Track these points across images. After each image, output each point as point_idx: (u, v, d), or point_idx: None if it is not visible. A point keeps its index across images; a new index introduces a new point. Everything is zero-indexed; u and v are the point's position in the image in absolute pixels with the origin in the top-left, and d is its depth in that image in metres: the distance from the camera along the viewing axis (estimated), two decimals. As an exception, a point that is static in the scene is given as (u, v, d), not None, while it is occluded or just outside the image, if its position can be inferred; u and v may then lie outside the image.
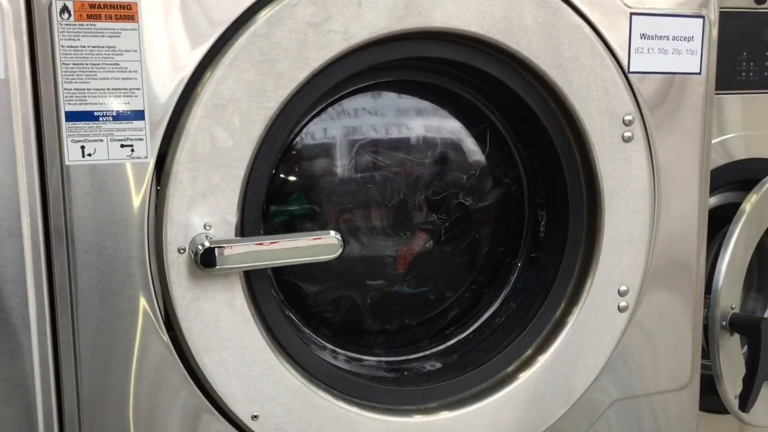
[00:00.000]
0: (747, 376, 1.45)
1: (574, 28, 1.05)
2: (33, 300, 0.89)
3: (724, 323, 1.45)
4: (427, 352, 1.19)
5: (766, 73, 1.54)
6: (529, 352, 1.11)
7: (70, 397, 0.92)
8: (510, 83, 1.06)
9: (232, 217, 0.94)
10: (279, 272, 1.09)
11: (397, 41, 0.99)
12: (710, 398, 1.48)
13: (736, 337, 1.47)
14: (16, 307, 0.88)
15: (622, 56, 1.10)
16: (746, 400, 1.44)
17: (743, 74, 1.52)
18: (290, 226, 1.11)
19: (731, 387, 1.48)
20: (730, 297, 1.45)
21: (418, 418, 1.05)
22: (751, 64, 1.53)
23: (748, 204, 1.47)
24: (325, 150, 1.12)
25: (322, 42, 0.94)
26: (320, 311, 1.15)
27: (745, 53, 1.51)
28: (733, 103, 1.51)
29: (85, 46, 0.87)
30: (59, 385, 0.91)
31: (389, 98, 1.16)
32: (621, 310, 1.14)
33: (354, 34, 0.95)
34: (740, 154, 1.53)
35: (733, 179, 1.52)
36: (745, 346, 1.48)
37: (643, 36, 1.10)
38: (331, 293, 1.14)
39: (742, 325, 1.44)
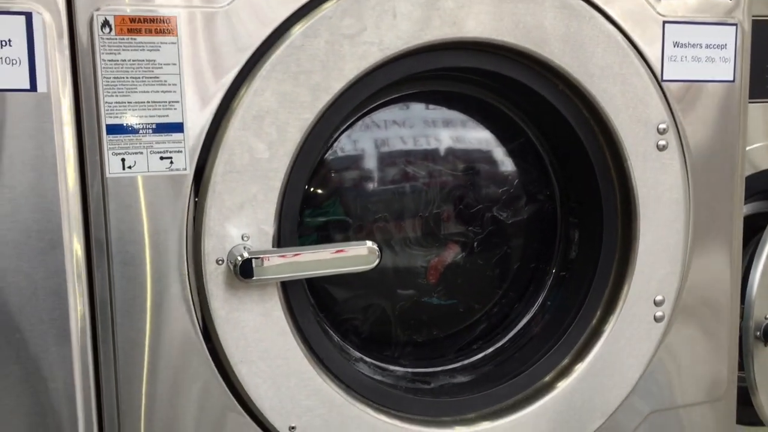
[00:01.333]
0: (783, 387, 1.43)
1: (607, 37, 1.05)
2: (74, 312, 0.89)
3: (758, 333, 1.44)
4: (456, 365, 1.18)
5: (795, 81, 1.53)
6: (566, 361, 1.10)
7: (110, 409, 0.92)
8: (543, 93, 1.06)
9: (269, 228, 0.94)
10: (311, 279, 1.09)
11: (431, 52, 0.99)
12: (744, 410, 1.46)
13: (771, 347, 1.46)
14: (57, 318, 0.88)
15: (656, 64, 1.09)
16: (783, 411, 1.42)
17: (770, 83, 1.52)
18: (322, 237, 1.11)
19: (766, 398, 1.46)
20: (764, 306, 1.44)
21: (459, 429, 1.04)
22: (780, 72, 1.52)
23: (780, 213, 1.46)
24: (359, 161, 1.12)
25: (357, 53, 0.94)
26: (349, 318, 1.15)
27: (773, 61, 1.51)
28: (757, 111, 1.50)
29: (125, 60, 0.88)
30: (99, 397, 0.92)
31: (422, 110, 1.16)
32: (657, 320, 1.13)
33: (389, 45, 0.96)
34: (766, 163, 1.52)
35: (759, 189, 1.50)
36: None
37: (676, 44, 1.10)
38: (361, 301, 1.14)
39: (776, 335, 1.42)
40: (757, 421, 1.50)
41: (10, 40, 0.83)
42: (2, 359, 0.86)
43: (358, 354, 1.12)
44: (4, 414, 0.87)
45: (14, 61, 0.84)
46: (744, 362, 1.42)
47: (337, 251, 0.93)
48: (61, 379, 0.89)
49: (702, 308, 1.18)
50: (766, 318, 1.44)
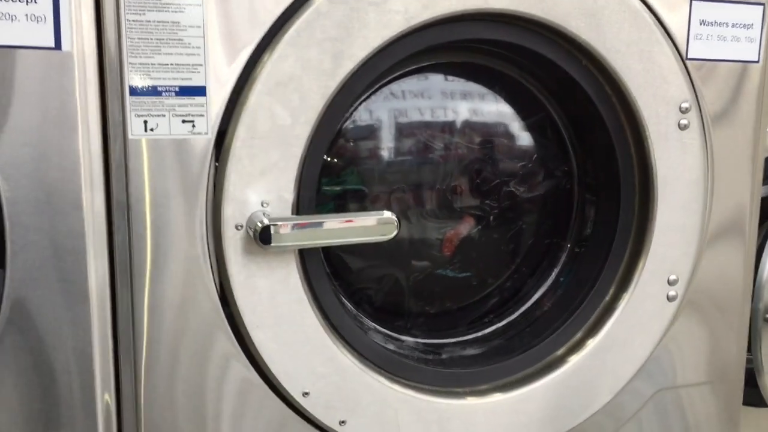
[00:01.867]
0: (790, 370, 1.43)
1: (634, 13, 1.04)
2: (93, 272, 0.90)
3: (766, 316, 1.44)
4: (468, 337, 1.19)
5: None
6: (579, 335, 1.11)
7: (127, 369, 0.93)
8: (567, 67, 1.05)
9: (289, 195, 0.94)
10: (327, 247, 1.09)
11: (456, 22, 0.98)
12: (749, 391, 1.47)
13: (779, 330, 1.46)
14: (76, 279, 0.89)
15: (681, 43, 1.08)
16: (788, 393, 1.43)
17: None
18: (338, 207, 1.11)
19: (772, 380, 1.47)
20: (774, 290, 1.44)
21: (471, 400, 1.05)
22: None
23: (794, 197, 1.45)
24: (376, 131, 1.12)
25: (382, 21, 0.94)
26: (363, 287, 1.15)
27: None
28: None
29: (150, 21, 0.87)
30: (117, 357, 0.92)
31: (442, 81, 1.16)
32: (670, 299, 1.13)
33: (414, 14, 0.95)
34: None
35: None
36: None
37: (702, 22, 1.09)
38: (375, 270, 1.15)
39: (786, 319, 1.42)
40: (762, 403, 1.51)
41: (35, -3, 0.83)
42: (21, 317, 0.87)
43: (371, 323, 1.13)
44: (19, 373, 0.88)
45: (39, 18, 0.83)
46: (752, 344, 1.43)
47: (357, 220, 0.93)
48: (80, 338, 0.90)
49: (714, 289, 1.18)
50: (775, 301, 1.44)
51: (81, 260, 0.89)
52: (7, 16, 0.82)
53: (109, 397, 0.92)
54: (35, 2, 0.83)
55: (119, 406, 0.94)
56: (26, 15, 0.83)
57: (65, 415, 0.90)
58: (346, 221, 0.93)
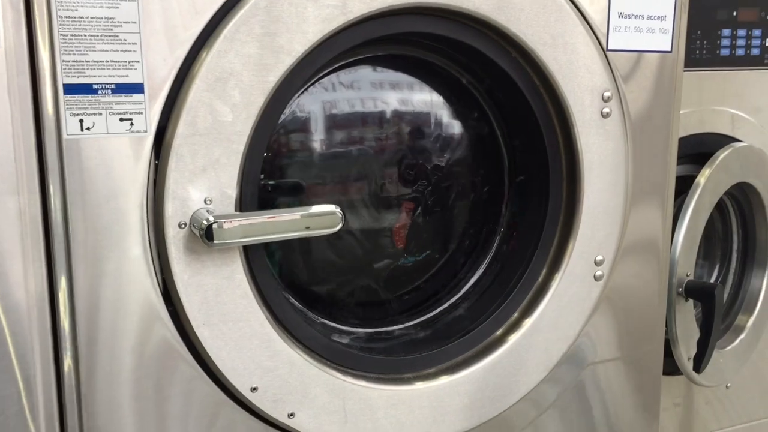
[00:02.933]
0: (701, 339, 1.54)
1: (559, 6, 1.08)
2: (32, 275, 0.87)
3: (680, 290, 1.53)
4: (411, 323, 1.21)
5: (717, 52, 1.62)
6: (515, 315, 1.15)
7: (69, 369, 0.90)
8: (497, 60, 1.08)
9: (232, 191, 0.94)
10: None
11: (393, 16, 1.00)
12: (665, 361, 1.57)
13: (690, 302, 1.56)
14: (13, 283, 0.86)
15: (601, 34, 1.13)
16: (701, 361, 1.54)
17: (697, 52, 1.59)
18: (280, 201, 1.11)
19: (685, 350, 1.57)
20: (685, 265, 1.54)
21: (419, 384, 1.08)
22: (705, 42, 1.60)
23: (703, 177, 1.55)
24: (312, 124, 1.12)
25: (321, 16, 0.94)
26: (306, 281, 1.16)
27: (699, 32, 1.58)
28: (688, 80, 1.58)
29: (83, 17, 0.85)
30: (58, 360, 0.90)
31: (373, 72, 1.17)
32: (597, 278, 1.19)
33: (352, 9, 0.96)
34: (694, 128, 1.60)
35: (687, 153, 1.59)
36: (699, 311, 1.57)
37: (620, 15, 1.14)
38: (317, 263, 1.16)
39: (697, 291, 1.52)
40: (677, 371, 1.61)
41: (-40, -7, 0.79)
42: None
43: (315, 316, 1.14)
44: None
45: (-35, 16, 0.80)
46: (667, 316, 1.52)
47: (301, 215, 0.94)
48: (18, 344, 0.87)
49: (637, 266, 1.25)
50: (687, 275, 1.54)
51: (17, 264, 0.86)
52: (-69, 12, 0.78)
53: (51, 402, 0.90)
54: (-40, -2, 0.79)
55: (61, 411, 0.91)
56: (-49, 12, 0.79)
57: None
58: (294, 216, 0.93)
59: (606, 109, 1.14)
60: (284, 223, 0.93)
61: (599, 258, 1.19)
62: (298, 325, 1.02)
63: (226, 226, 0.89)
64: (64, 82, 0.85)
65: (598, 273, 1.19)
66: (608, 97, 1.14)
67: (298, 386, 1.01)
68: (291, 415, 1.01)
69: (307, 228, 0.94)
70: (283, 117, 1.07)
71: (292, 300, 1.10)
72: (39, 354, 0.88)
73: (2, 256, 0.85)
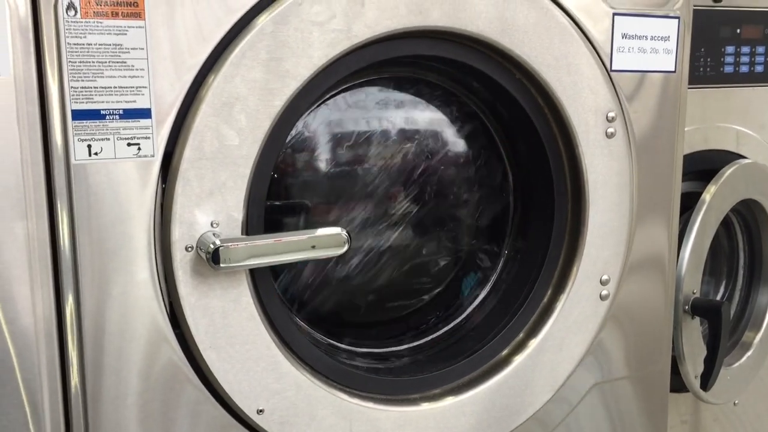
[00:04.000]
0: (708, 356, 1.53)
1: (562, 28, 1.09)
2: (40, 297, 0.87)
3: (686, 307, 1.53)
4: (416, 343, 1.22)
5: (721, 69, 1.62)
6: (521, 336, 1.16)
7: (76, 393, 0.91)
8: (502, 81, 1.09)
9: (239, 215, 0.94)
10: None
11: (397, 39, 1.01)
12: (671, 378, 1.56)
13: (697, 319, 1.56)
14: (21, 308, 0.86)
15: (605, 55, 1.14)
16: (708, 379, 1.53)
17: (701, 69, 1.60)
18: (285, 222, 1.12)
19: (692, 367, 1.56)
20: (691, 282, 1.53)
21: (425, 405, 1.08)
22: (708, 59, 1.61)
23: (708, 194, 1.55)
24: (316, 145, 1.13)
25: (326, 40, 0.95)
26: (312, 303, 1.17)
27: (702, 49, 1.59)
28: (692, 97, 1.59)
29: (91, 44, 0.86)
30: (65, 382, 0.90)
31: (379, 93, 1.18)
32: (602, 298, 1.19)
33: (357, 33, 0.96)
34: (699, 145, 1.61)
35: (692, 169, 1.59)
36: (705, 328, 1.57)
37: (624, 36, 1.15)
38: (323, 285, 1.16)
39: (703, 309, 1.52)
40: (680, 388, 1.60)
41: (-30, 22, 0.80)
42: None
43: (322, 338, 1.14)
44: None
45: (-25, 44, 0.81)
46: (674, 334, 1.51)
47: (308, 237, 0.94)
48: (27, 369, 0.87)
49: (643, 285, 1.25)
50: (693, 293, 1.54)
51: (26, 289, 0.86)
52: (-59, 42, 0.79)
53: (59, 427, 0.91)
54: (-29, 27, 0.80)
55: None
56: (-39, 40, 0.80)
57: (15, 449, 0.88)
58: (296, 238, 0.94)
59: (610, 129, 1.15)
60: (290, 245, 0.93)
61: (605, 277, 1.19)
62: (304, 347, 1.03)
63: (231, 250, 0.90)
64: (73, 108, 0.86)
65: (604, 292, 1.19)
66: (612, 117, 1.14)
67: (305, 408, 1.01)
68: (297, 437, 1.01)
69: (314, 249, 0.95)
70: (288, 138, 1.08)
71: (299, 322, 1.11)
72: (46, 378, 0.89)
73: (10, 281, 0.86)
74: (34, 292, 0.87)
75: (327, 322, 1.17)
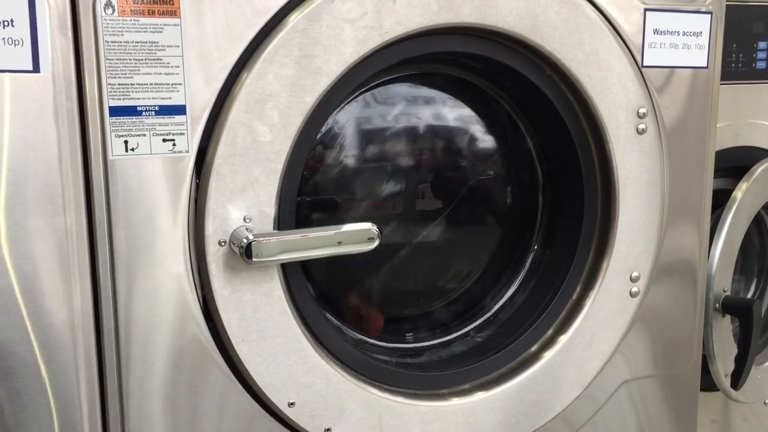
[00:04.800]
0: (739, 355, 1.52)
1: (593, 24, 1.08)
2: (78, 293, 0.89)
3: (717, 305, 1.52)
4: (445, 339, 1.22)
5: (754, 65, 1.61)
6: (550, 332, 1.16)
7: (112, 384, 0.92)
8: (532, 77, 1.09)
9: (270, 210, 0.95)
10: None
11: (427, 36, 1.01)
12: (701, 377, 1.55)
13: (728, 318, 1.54)
14: (60, 301, 0.88)
15: (636, 51, 1.14)
16: (738, 378, 1.52)
17: (732, 65, 1.58)
18: (316, 218, 1.13)
19: (722, 366, 1.55)
20: (722, 280, 1.52)
21: (455, 401, 1.09)
22: (740, 55, 1.59)
23: (740, 192, 1.53)
24: (347, 141, 1.14)
25: (358, 37, 0.96)
26: (342, 296, 1.17)
27: (734, 45, 1.57)
28: (724, 93, 1.57)
29: (128, 42, 0.87)
30: (102, 375, 0.92)
31: (408, 89, 1.18)
32: (633, 295, 1.19)
33: (389, 30, 0.97)
34: (730, 142, 1.59)
35: (723, 166, 1.58)
36: (736, 326, 1.55)
37: (656, 31, 1.14)
38: (352, 279, 1.17)
39: (734, 307, 1.51)
40: (710, 387, 1.59)
41: (12, 20, 0.82)
42: (9, 343, 0.86)
43: (351, 332, 1.15)
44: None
45: (17, 42, 0.83)
46: (704, 333, 1.50)
47: (338, 233, 0.95)
48: (64, 361, 0.89)
49: (673, 282, 1.24)
50: (724, 291, 1.52)
51: (65, 282, 0.88)
52: (-16, 40, 0.81)
53: (95, 421, 0.92)
54: (12, 25, 0.82)
55: (105, 425, 0.93)
56: (3, 39, 0.82)
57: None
58: (331, 234, 0.95)
59: (641, 126, 1.14)
60: (321, 240, 0.94)
61: (635, 274, 1.18)
62: (334, 341, 1.04)
63: (264, 243, 0.91)
64: (110, 105, 0.88)
65: (634, 289, 1.19)
66: (643, 114, 1.14)
67: (335, 402, 1.02)
68: (328, 430, 1.02)
69: (344, 245, 0.96)
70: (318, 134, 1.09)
71: (328, 316, 1.12)
72: (84, 369, 0.91)
73: (49, 274, 0.87)
74: (72, 286, 0.89)
75: (356, 317, 1.17)
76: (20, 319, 0.87)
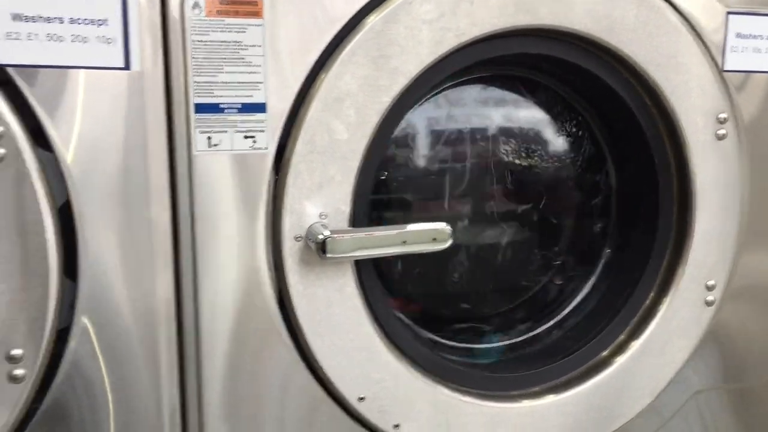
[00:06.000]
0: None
1: (673, 27, 1.07)
2: (162, 282, 0.93)
3: (796, 318, 1.47)
4: (517, 340, 1.22)
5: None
6: (622, 337, 1.14)
7: (192, 377, 0.96)
8: (608, 80, 1.08)
9: (346, 207, 0.97)
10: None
11: (504, 38, 1.02)
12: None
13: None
14: (145, 291, 0.92)
15: (717, 55, 1.11)
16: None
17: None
18: (388, 217, 1.15)
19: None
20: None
21: (526, 403, 1.08)
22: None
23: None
24: (419, 141, 1.15)
25: (435, 38, 0.97)
26: (413, 295, 1.18)
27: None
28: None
29: (214, 41, 0.91)
30: (182, 363, 0.95)
31: (482, 91, 1.19)
32: (708, 304, 1.16)
33: (465, 31, 0.98)
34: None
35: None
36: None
37: (738, 35, 1.12)
38: (424, 277, 1.18)
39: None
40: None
41: (106, 20, 0.86)
42: (93, 327, 0.90)
43: (422, 330, 1.16)
44: (88, 382, 0.91)
45: (110, 40, 0.87)
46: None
47: (413, 231, 0.96)
48: (149, 348, 0.93)
49: (751, 293, 1.21)
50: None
51: (149, 270, 0.92)
52: (80, 38, 0.85)
53: (174, 405, 0.96)
54: (106, 24, 0.86)
55: (184, 413, 0.97)
56: (98, 37, 0.86)
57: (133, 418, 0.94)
58: (403, 232, 0.96)
59: (721, 131, 1.12)
60: (395, 240, 0.95)
61: (711, 283, 1.16)
62: (405, 338, 1.05)
63: (339, 240, 0.93)
64: (195, 102, 0.91)
65: (710, 298, 1.16)
66: (724, 119, 1.12)
67: (404, 399, 1.03)
68: (396, 426, 1.03)
69: (419, 244, 0.97)
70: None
71: (399, 314, 1.13)
72: (165, 360, 0.94)
73: (136, 264, 0.91)
74: (157, 276, 0.92)
75: (428, 316, 1.18)
76: (114, 305, 0.90)
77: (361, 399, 1.01)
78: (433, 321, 1.19)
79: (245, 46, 0.92)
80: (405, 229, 0.96)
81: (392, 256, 1.10)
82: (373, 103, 0.96)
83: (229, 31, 0.91)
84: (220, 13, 0.90)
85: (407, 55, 0.96)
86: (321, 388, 1.01)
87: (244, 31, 0.91)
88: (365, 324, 1.00)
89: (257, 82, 0.93)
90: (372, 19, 0.95)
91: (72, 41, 0.85)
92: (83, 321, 0.89)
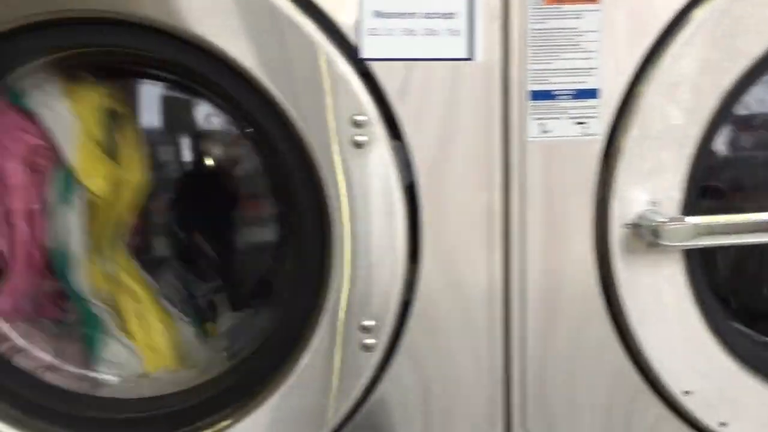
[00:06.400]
0: None
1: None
2: (493, 261, 0.96)
3: None
4: None
5: None
6: None
7: (517, 350, 0.98)
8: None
9: (677, 194, 0.95)
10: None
11: None
12: None
13: None
14: (477, 270, 0.96)
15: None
16: None
17: None
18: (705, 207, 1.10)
19: None
20: None
21: None
22: None
23: None
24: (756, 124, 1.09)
25: (781, 16, 0.91)
26: (742, 289, 1.13)
27: None
28: None
29: (551, 29, 0.92)
30: (508, 344, 0.98)
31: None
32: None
33: (820, 7, 0.91)
34: None
35: None
36: None
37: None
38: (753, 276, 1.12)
39: None
40: None
41: (455, 13, 0.91)
42: (432, 312, 0.96)
43: (747, 329, 1.10)
44: (418, 363, 0.97)
45: (456, 32, 0.91)
46: None
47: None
48: (480, 327, 0.97)
49: None
50: None
51: (482, 255, 0.96)
52: (431, 31, 0.91)
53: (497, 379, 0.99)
54: (454, 18, 0.91)
55: (507, 391, 1.00)
56: (446, 30, 0.91)
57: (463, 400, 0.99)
58: (755, 221, 0.91)
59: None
60: (743, 227, 0.91)
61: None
62: (733, 333, 1.00)
63: (675, 228, 0.90)
64: (530, 89, 0.93)
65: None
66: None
67: (732, 396, 0.99)
68: (723, 424, 0.99)
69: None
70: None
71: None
72: (496, 336, 0.97)
73: (469, 244, 0.95)
74: (489, 257, 0.96)
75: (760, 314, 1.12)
76: (449, 284, 0.95)
77: (687, 393, 0.98)
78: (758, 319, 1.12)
79: (581, 32, 0.92)
80: (756, 218, 0.91)
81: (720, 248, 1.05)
82: (712, 86, 0.93)
83: (565, 18, 0.92)
84: (557, 0, 0.92)
85: (751, 35, 0.91)
86: (641, 377, 1.00)
87: (580, 17, 0.92)
88: (693, 315, 0.97)
89: (591, 68, 0.93)
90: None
91: (424, 35, 0.90)
92: (422, 298, 0.95)
